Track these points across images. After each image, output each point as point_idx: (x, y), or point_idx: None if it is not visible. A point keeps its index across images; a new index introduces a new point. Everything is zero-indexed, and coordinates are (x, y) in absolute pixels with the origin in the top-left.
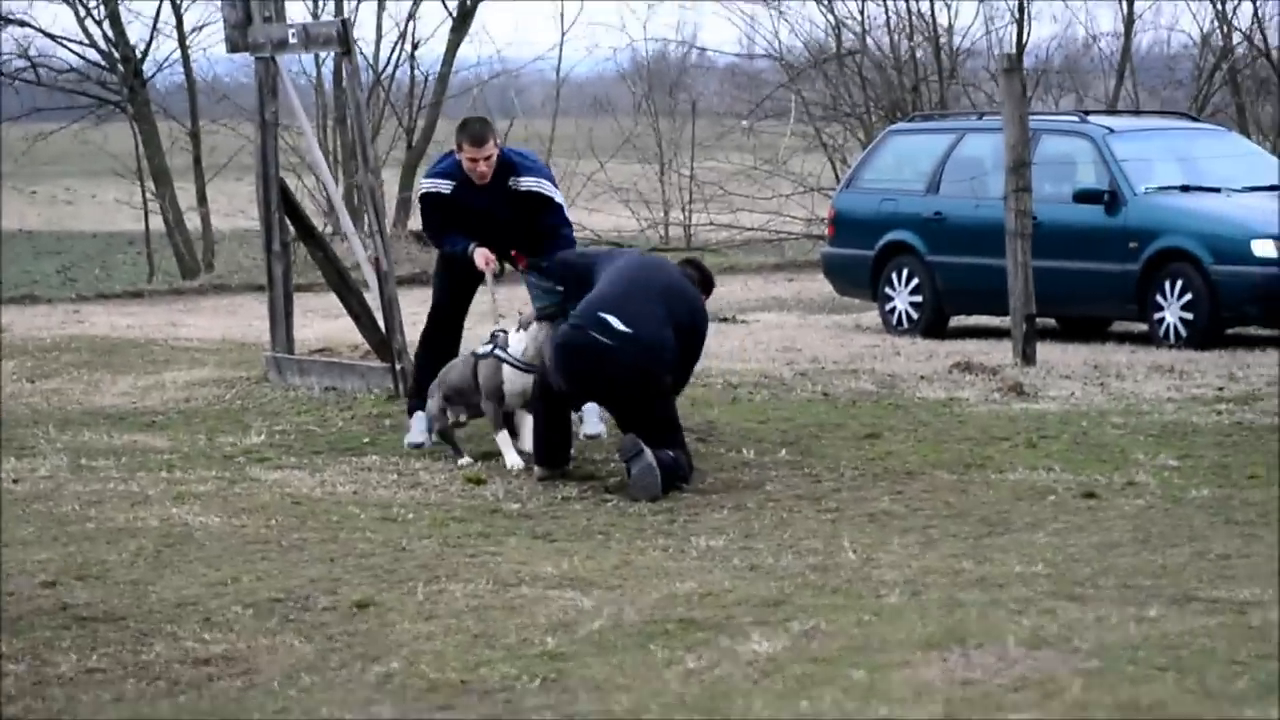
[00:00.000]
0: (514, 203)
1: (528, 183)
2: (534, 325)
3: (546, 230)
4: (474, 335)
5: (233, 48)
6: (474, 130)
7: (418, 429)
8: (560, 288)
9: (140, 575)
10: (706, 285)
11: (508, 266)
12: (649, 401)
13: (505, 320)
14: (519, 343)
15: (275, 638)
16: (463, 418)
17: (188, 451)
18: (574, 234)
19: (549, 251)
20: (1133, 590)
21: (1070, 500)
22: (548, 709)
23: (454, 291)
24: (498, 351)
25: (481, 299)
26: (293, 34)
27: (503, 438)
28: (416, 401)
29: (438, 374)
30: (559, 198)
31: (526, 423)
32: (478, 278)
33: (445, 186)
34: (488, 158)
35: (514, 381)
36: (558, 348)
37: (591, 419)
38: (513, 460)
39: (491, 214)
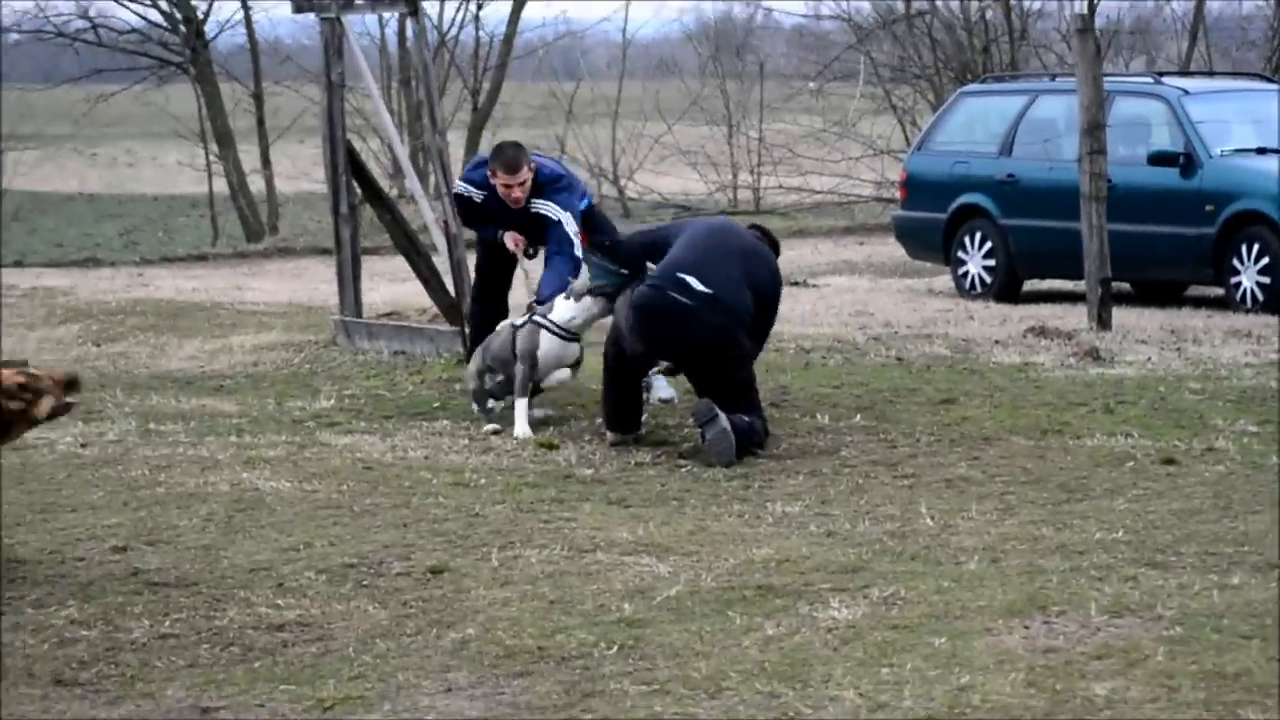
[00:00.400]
0: (538, 220)
1: (540, 206)
2: (587, 299)
3: (556, 242)
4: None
5: (298, 8)
6: (508, 157)
7: (661, 384)
8: (624, 271)
9: (211, 540)
10: (774, 249)
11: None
12: (726, 364)
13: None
14: (565, 311)
15: (349, 603)
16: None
17: (257, 416)
18: (573, 253)
19: (556, 256)
20: (1215, 557)
21: (1149, 466)
22: (626, 676)
23: (494, 261)
24: (538, 317)
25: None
26: None
27: (521, 405)
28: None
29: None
30: (567, 218)
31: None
32: (512, 261)
33: (477, 195)
34: (521, 184)
35: (550, 346)
36: (636, 308)
37: (661, 384)
38: (523, 430)
39: (519, 227)
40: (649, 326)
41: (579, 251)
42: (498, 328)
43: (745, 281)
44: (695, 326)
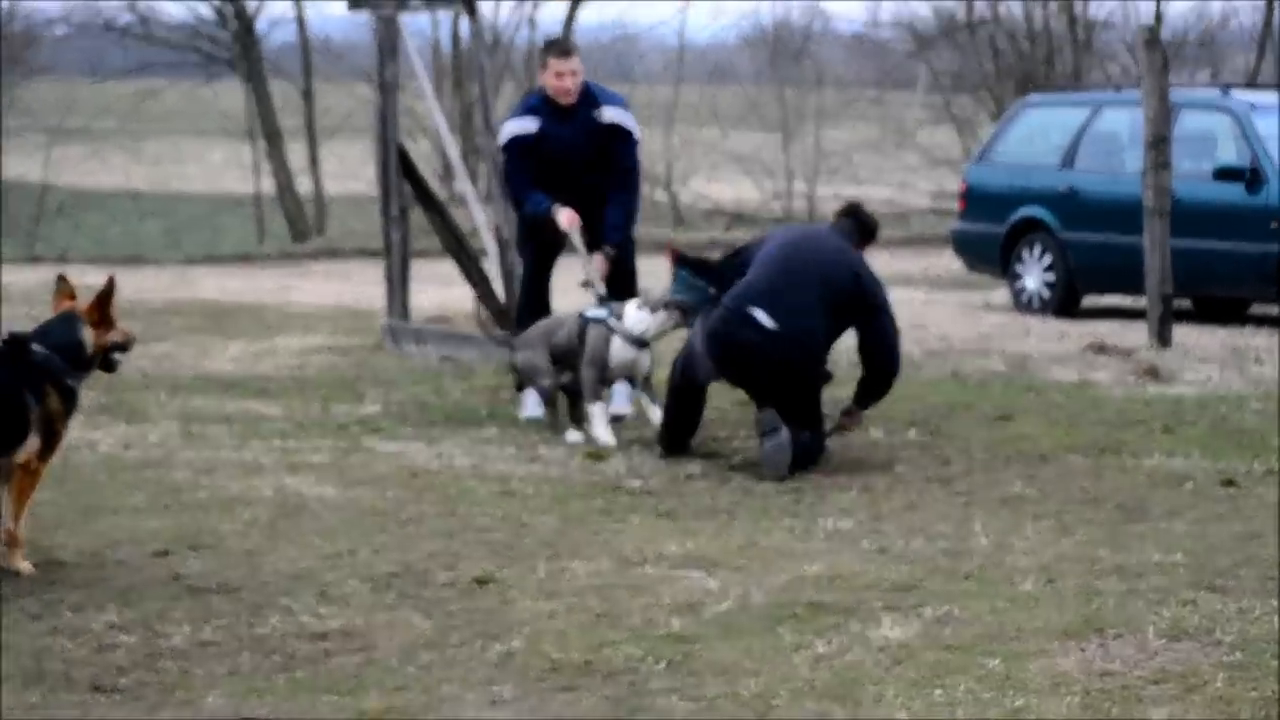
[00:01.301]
0: (596, 136)
1: (611, 113)
2: (661, 312)
3: (620, 168)
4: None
5: (353, 5)
6: (562, 44)
7: (531, 403)
8: (713, 289)
9: (254, 546)
10: (865, 232)
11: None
12: (794, 394)
13: (595, 281)
14: (637, 320)
15: (393, 613)
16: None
17: (301, 420)
18: (638, 181)
19: (619, 190)
20: (1275, 582)
21: (1209, 488)
22: (674, 692)
23: (540, 260)
24: (611, 321)
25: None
26: None
27: (598, 409)
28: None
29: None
30: (638, 133)
31: (618, 391)
32: (559, 242)
33: (531, 125)
34: (574, 72)
35: (621, 353)
36: (708, 337)
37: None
38: (604, 435)
39: (574, 150)
40: (718, 357)
41: (640, 182)
42: (559, 317)
43: (819, 304)
44: (763, 361)
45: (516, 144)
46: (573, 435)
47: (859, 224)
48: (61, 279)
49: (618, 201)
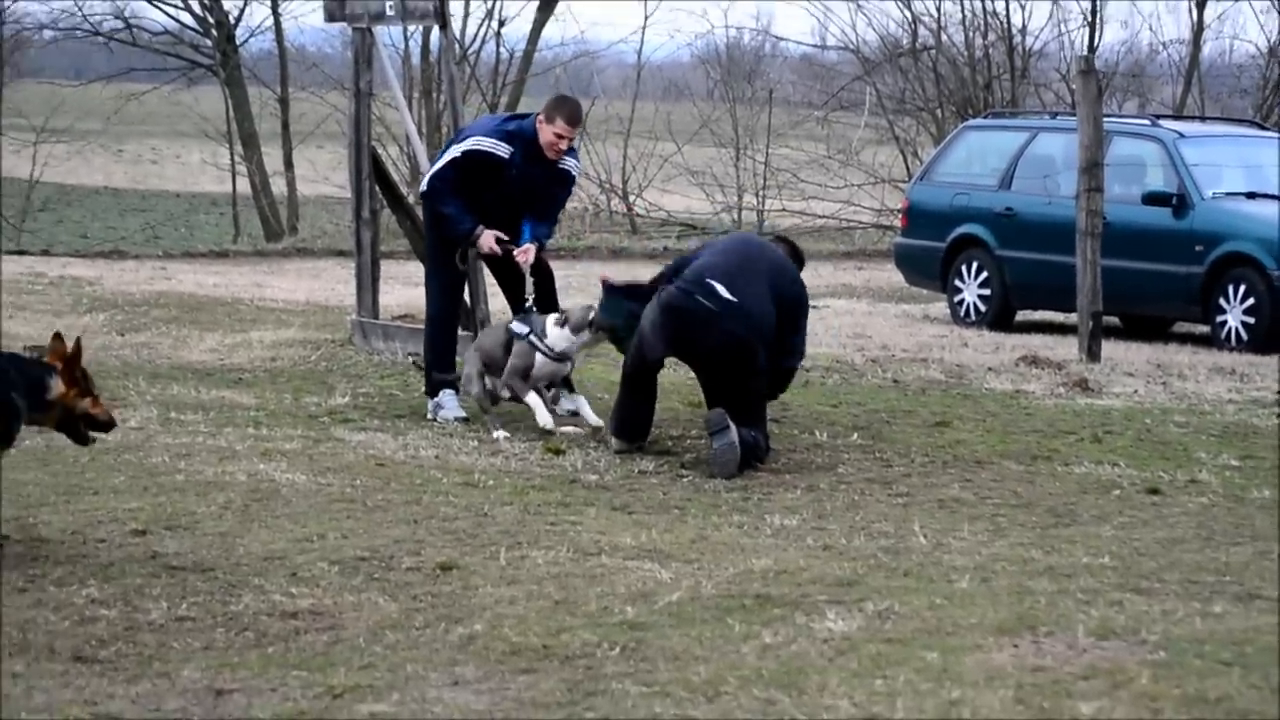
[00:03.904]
0: (551, 179)
1: (569, 161)
2: (585, 333)
3: (555, 202)
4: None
5: (330, 17)
6: (574, 111)
7: (452, 404)
8: (637, 314)
9: (229, 528)
10: (798, 262)
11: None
12: (743, 373)
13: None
14: (559, 339)
15: (360, 595)
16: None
17: (274, 409)
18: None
19: (546, 216)
20: (1197, 586)
21: (1135, 495)
22: (627, 676)
23: (454, 276)
24: (533, 338)
25: None
26: (390, 6)
27: (533, 399)
28: (438, 378)
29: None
30: (578, 175)
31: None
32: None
33: (504, 150)
34: (572, 138)
35: (543, 367)
36: (663, 309)
37: (450, 402)
38: (547, 420)
39: (529, 187)
40: (673, 328)
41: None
42: (489, 326)
43: (771, 296)
44: (718, 332)
45: (478, 156)
46: (500, 433)
47: (793, 250)
48: (56, 336)
49: (544, 221)
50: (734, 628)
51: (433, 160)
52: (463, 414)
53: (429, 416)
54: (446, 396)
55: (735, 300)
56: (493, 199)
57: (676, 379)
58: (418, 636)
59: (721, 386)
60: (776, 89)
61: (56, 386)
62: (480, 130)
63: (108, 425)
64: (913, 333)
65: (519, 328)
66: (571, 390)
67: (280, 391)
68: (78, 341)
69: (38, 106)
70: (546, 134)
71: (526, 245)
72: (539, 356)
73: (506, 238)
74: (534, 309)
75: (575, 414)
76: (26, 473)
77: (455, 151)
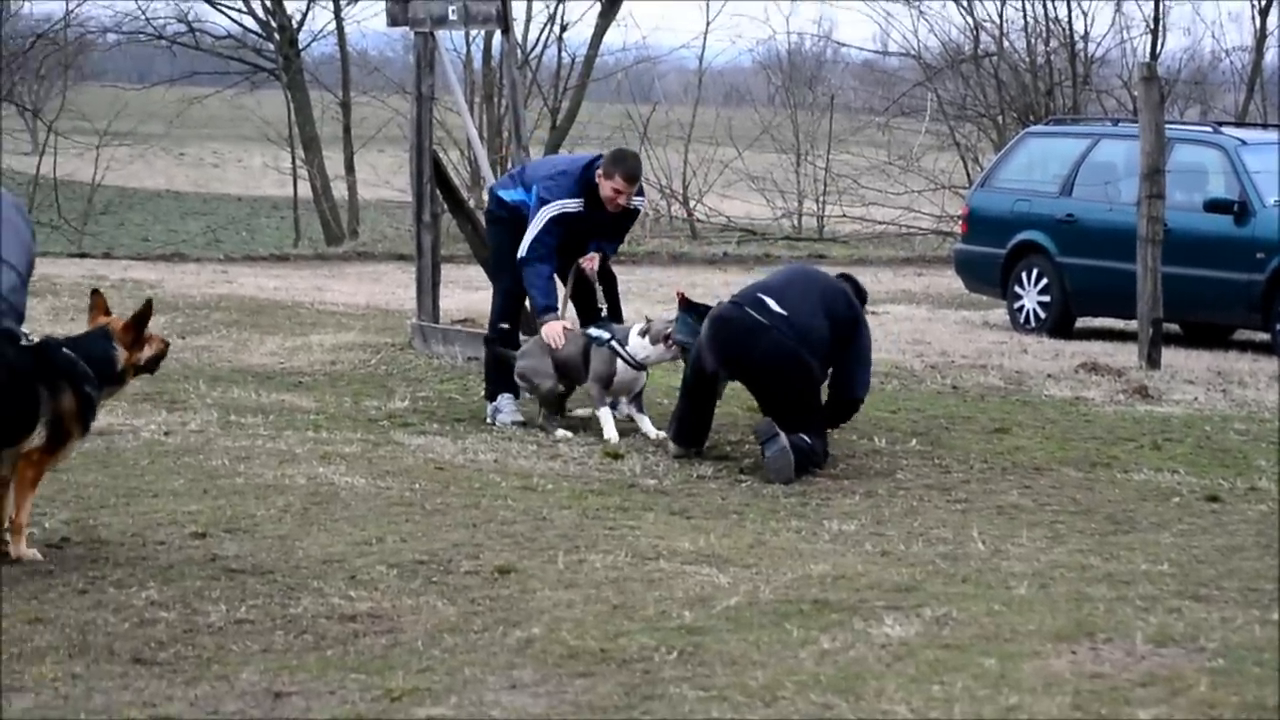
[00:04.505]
0: (620, 218)
1: (636, 200)
2: (660, 346)
3: (622, 231)
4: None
5: (393, 21)
6: (633, 168)
7: (509, 409)
8: None
9: (288, 531)
10: (861, 297)
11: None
12: (793, 385)
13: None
14: (639, 348)
15: (419, 598)
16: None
17: (334, 413)
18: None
19: (614, 239)
20: (1256, 594)
21: (1194, 503)
22: (685, 681)
23: (518, 284)
24: (615, 344)
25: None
26: (453, 10)
27: (604, 413)
28: (495, 386)
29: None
30: (645, 206)
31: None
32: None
33: (578, 206)
34: (631, 193)
35: (624, 374)
36: (713, 320)
37: (509, 407)
38: (614, 434)
39: (598, 228)
40: (723, 340)
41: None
42: (566, 334)
43: (823, 311)
44: (767, 344)
45: (563, 218)
46: (562, 433)
47: (855, 286)
48: (96, 293)
49: (611, 242)
50: (791, 633)
51: (498, 177)
52: (520, 418)
53: (487, 420)
54: (504, 400)
55: (785, 314)
56: (571, 243)
57: (735, 385)
58: (475, 640)
59: (775, 399)
60: (838, 95)
61: (121, 356)
62: (560, 193)
63: (165, 353)
64: (972, 339)
65: (601, 334)
66: (641, 409)
67: (340, 395)
68: (148, 303)
69: (101, 110)
70: (606, 189)
71: (592, 254)
72: (620, 364)
73: (570, 327)
74: (608, 317)
75: (631, 421)
76: (87, 475)
77: (544, 218)
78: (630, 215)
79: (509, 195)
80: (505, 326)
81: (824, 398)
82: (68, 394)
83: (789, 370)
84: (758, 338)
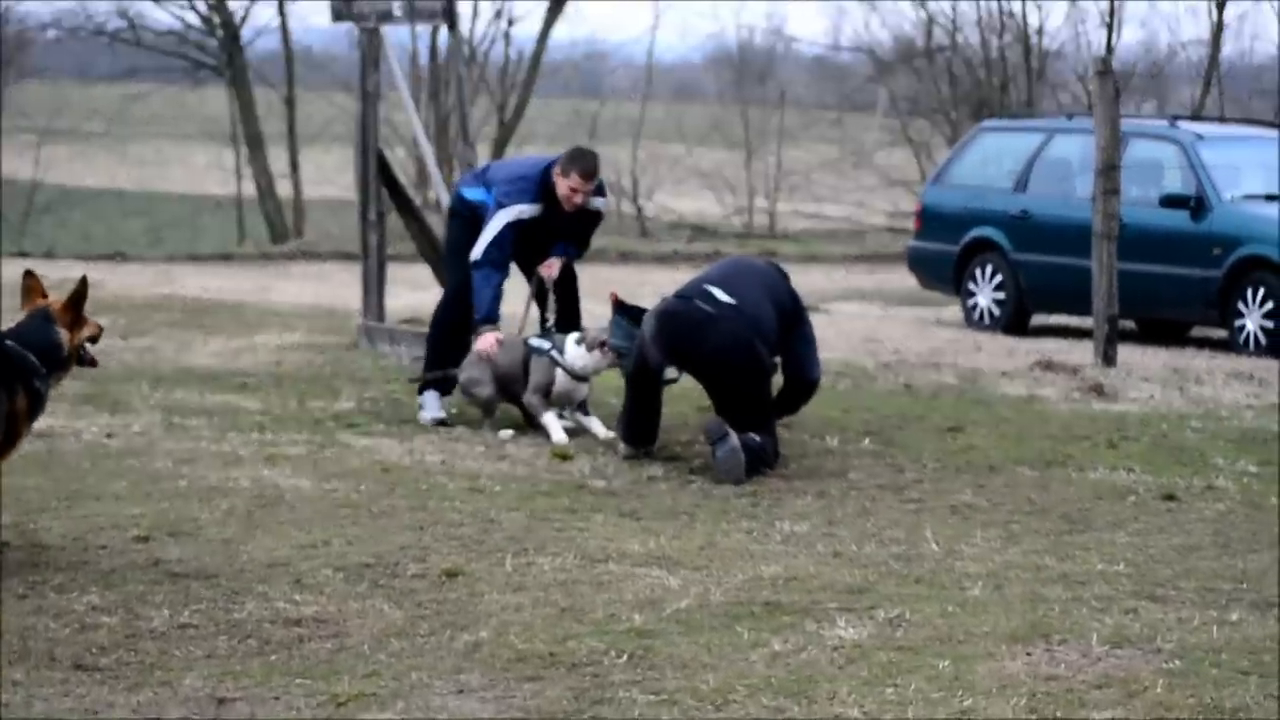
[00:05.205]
0: (579, 220)
1: (596, 202)
2: (597, 353)
3: (583, 237)
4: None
5: (337, 17)
6: (589, 166)
7: (434, 405)
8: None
9: (232, 534)
10: (782, 275)
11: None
12: (744, 376)
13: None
14: (576, 357)
15: (365, 602)
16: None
17: (279, 414)
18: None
19: (573, 244)
20: (1213, 593)
21: (1150, 501)
22: (635, 684)
23: (466, 284)
24: (554, 354)
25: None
26: (398, 6)
27: (549, 417)
28: (429, 380)
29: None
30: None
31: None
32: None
33: (535, 210)
34: (588, 191)
35: (563, 384)
36: (659, 314)
37: (433, 404)
38: (559, 435)
39: (557, 232)
40: (671, 333)
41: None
42: (505, 342)
43: (768, 299)
44: (716, 335)
45: (518, 224)
46: (505, 433)
47: (777, 268)
48: (29, 274)
49: (574, 245)
50: (743, 635)
51: (445, 175)
52: (442, 415)
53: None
54: (429, 397)
55: (734, 303)
56: (528, 247)
57: (685, 385)
58: (423, 644)
59: (727, 393)
60: (789, 90)
61: (65, 339)
62: (517, 197)
63: (98, 337)
64: (926, 337)
65: (541, 344)
66: (587, 413)
67: (285, 396)
68: (84, 281)
69: (41, 107)
70: (562, 187)
71: (552, 260)
72: (559, 374)
73: (503, 338)
74: (554, 328)
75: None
76: (28, 478)
77: (500, 224)
78: (592, 217)
79: (471, 194)
80: (451, 319)
81: (775, 392)
82: (20, 395)
83: (742, 360)
84: (708, 329)
